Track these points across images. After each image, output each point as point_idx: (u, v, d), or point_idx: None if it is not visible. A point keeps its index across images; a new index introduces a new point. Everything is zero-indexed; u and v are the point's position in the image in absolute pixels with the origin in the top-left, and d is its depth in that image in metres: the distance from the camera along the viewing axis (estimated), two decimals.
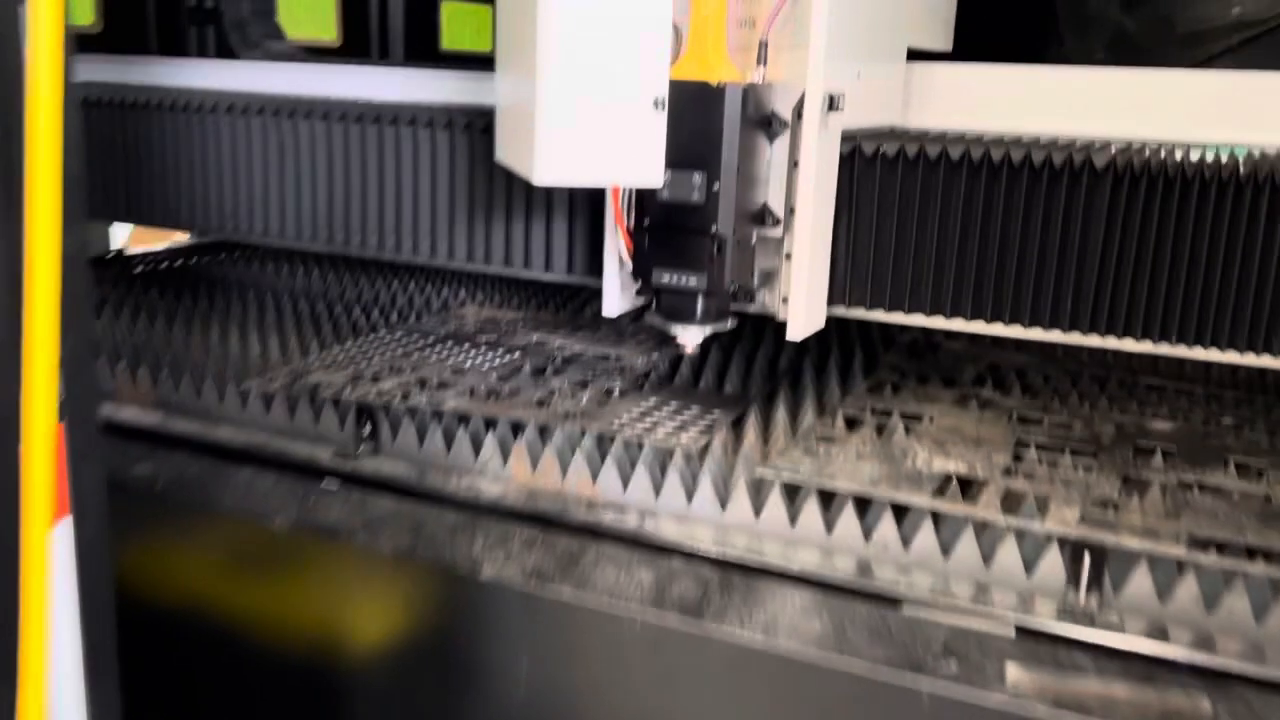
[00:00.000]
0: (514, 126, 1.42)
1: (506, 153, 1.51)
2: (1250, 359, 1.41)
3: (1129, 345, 1.47)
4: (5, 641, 0.90)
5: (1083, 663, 1.08)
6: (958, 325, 1.51)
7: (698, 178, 1.39)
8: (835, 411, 1.63)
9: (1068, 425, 1.61)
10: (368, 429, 1.55)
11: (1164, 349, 1.43)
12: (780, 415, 1.62)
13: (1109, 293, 1.41)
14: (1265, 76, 1.65)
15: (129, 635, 1.09)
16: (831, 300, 1.56)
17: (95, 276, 2.43)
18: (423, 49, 5.23)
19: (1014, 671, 1.05)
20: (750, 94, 1.39)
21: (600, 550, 1.29)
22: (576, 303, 2.32)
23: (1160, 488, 1.38)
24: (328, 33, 4.66)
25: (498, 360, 1.83)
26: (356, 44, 4.85)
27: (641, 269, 1.47)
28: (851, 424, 1.59)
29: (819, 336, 1.91)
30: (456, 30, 5.59)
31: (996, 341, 2.04)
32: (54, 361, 0.87)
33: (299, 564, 1.36)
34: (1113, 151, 1.42)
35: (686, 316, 1.47)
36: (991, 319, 1.48)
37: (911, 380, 1.83)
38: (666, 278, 1.45)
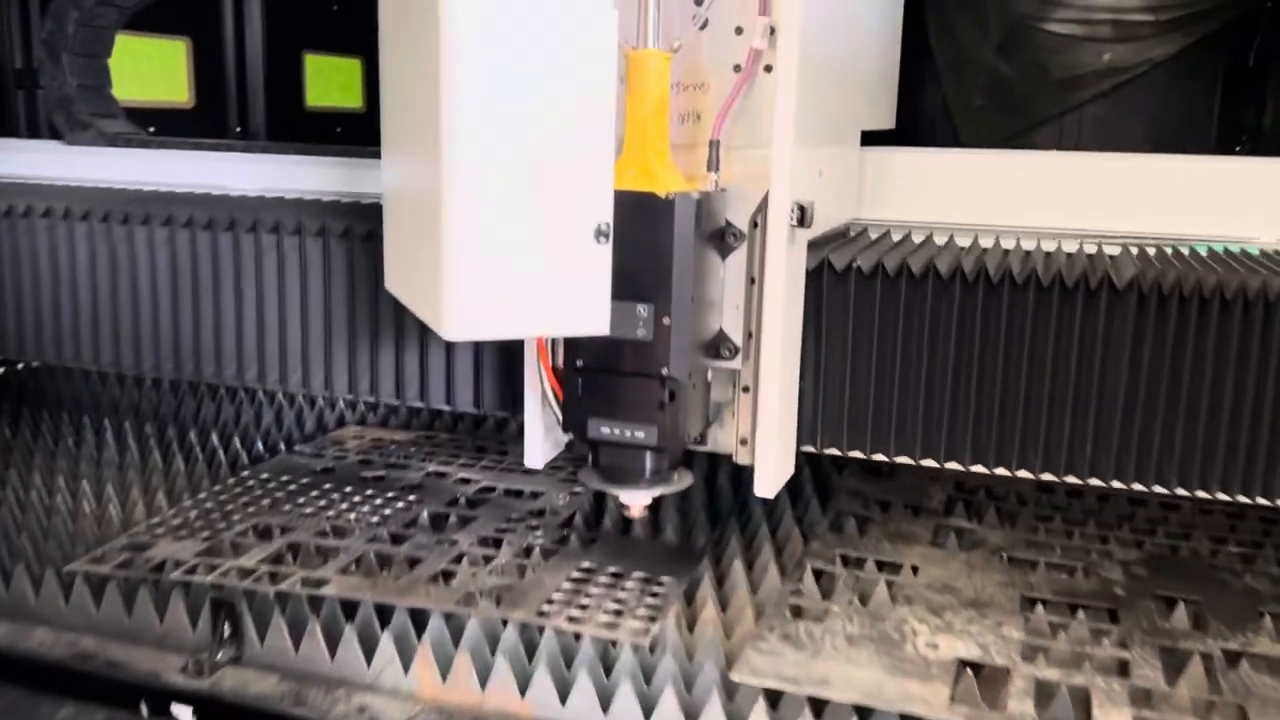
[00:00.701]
0: (411, 257, 1.12)
1: (401, 287, 1.20)
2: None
3: (1137, 488, 1.25)
4: None
5: None
6: (953, 467, 1.27)
7: (643, 310, 1.11)
8: (801, 564, 1.37)
9: (1068, 569, 1.39)
10: (227, 629, 1.22)
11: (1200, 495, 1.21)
12: (737, 572, 1.36)
13: (1137, 429, 1.18)
14: (1256, 164, 1.48)
15: None
16: (800, 440, 1.30)
17: None
18: (285, 107, 4.86)
19: None
20: (703, 205, 1.13)
21: None
22: (474, 418, 2.02)
23: (1202, 662, 1.15)
24: (179, 94, 4.27)
25: (388, 508, 1.52)
26: (212, 104, 4.46)
27: (574, 420, 1.19)
28: (823, 581, 1.33)
29: None
30: (322, 86, 5.23)
31: None
32: None
33: None
34: (1133, 263, 1.21)
35: (632, 478, 1.18)
36: (996, 464, 1.24)
37: (874, 509, 1.59)
38: (606, 431, 1.16)
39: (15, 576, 1.32)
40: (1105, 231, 1.46)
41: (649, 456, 1.18)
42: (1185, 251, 1.36)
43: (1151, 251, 1.36)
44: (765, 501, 1.59)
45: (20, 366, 2.30)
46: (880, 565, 1.39)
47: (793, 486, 1.64)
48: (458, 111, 0.92)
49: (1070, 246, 1.38)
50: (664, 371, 1.13)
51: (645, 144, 1.11)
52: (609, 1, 0.96)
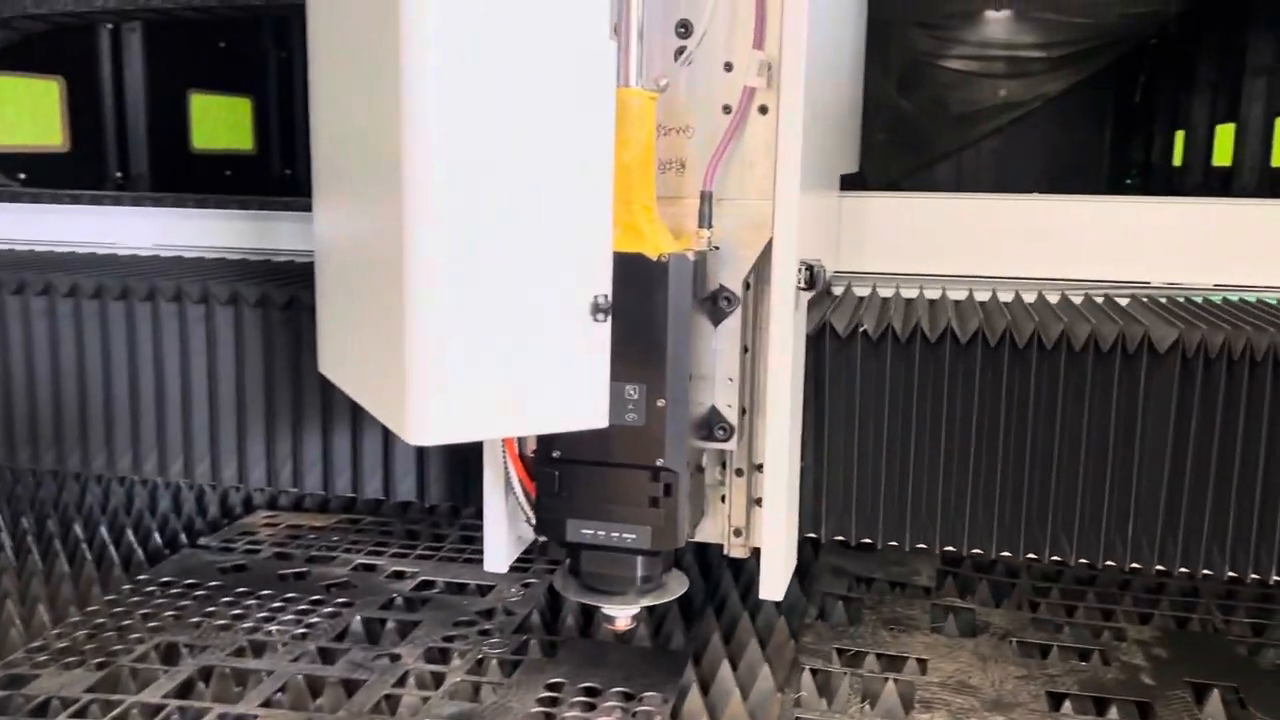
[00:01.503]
0: (358, 340, 0.92)
1: (343, 373, 0.99)
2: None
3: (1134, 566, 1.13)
4: None
5: None
6: (978, 552, 1.13)
7: (633, 391, 0.95)
8: (797, 664, 1.21)
9: (1084, 654, 1.26)
10: None
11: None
12: (724, 675, 1.19)
13: (1163, 502, 1.06)
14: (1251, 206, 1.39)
15: None
16: (802, 528, 1.14)
17: None
18: (170, 150, 4.58)
19: None
20: (700, 267, 0.97)
21: None
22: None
23: None
24: (52, 137, 3.96)
25: (314, 615, 1.32)
26: (89, 148, 4.16)
27: (549, 520, 1.01)
28: (823, 681, 1.17)
29: None
30: (209, 127, 4.96)
31: None
32: None
33: None
34: (1174, 320, 1.09)
35: (621, 586, 1.01)
36: (1025, 550, 1.11)
37: (860, 588, 1.44)
38: (589, 533, 0.99)
39: None
40: (1093, 279, 1.36)
41: (640, 561, 1.01)
42: (1199, 301, 1.25)
43: (1164, 301, 1.25)
44: (735, 572, 1.44)
45: None
46: (883, 660, 1.24)
47: None
48: (424, 160, 0.74)
49: (1051, 297, 1.27)
50: (659, 462, 0.96)
51: (631, 197, 0.95)
52: (606, 32, 0.80)
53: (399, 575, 1.45)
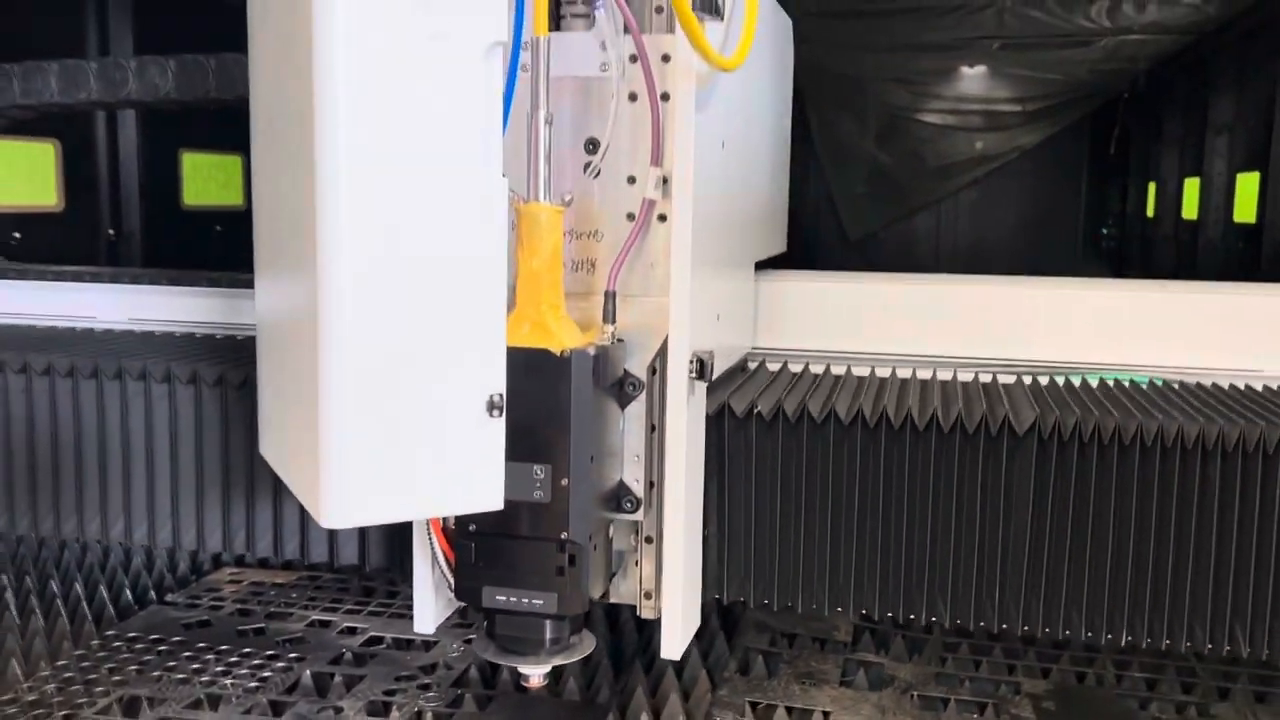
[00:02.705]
0: (286, 426, 1.04)
1: (275, 456, 1.12)
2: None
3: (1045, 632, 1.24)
4: None
5: None
6: (869, 618, 1.24)
7: (540, 471, 1.06)
8: (710, 716, 1.31)
9: (980, 708, 1.36)
10: None
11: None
12: None
13: (1043, 574, 1.17)
14: (1141, 287, 1.51)
15: None
16: (706, 590, 1.25)
17: None
18: (162, 207, 4.71)
19: None
20: (601, 360, 1.08)
21: None
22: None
23: None
24: (47, 197, 4.10)
25: (268, 669, 1.42)
26: (83, 207, 4.29)
27: (467, 587, 1.12)
28: None
29: None
30: (200, 184, 5.10)
31: None
32: None
33: None
34: (1030, 406, 1.20)
35: (531, 648, 1.12)
36: (907, 610, 1.22)
37: (782, 644, 1.54)
38: (502, 598, 1.10)
39: None
40: (996, 359, 1.47)
41: (549, 624, 1.11)
42: (1077, 382, 1.37)
43: (1045, 381, 1.37)
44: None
45: None
46: (790, 710, 1.34)
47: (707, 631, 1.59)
48: (338, 287, 0.86)
49: (964, 375, 1.38)
50: (563, 535, 1.07)
51: (539, 298, 1.07)
52: (498, 170, 0.92)
53: (351, 631, 1.55)
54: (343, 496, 0.88)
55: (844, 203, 7.22)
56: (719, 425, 1.21)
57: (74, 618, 1.61)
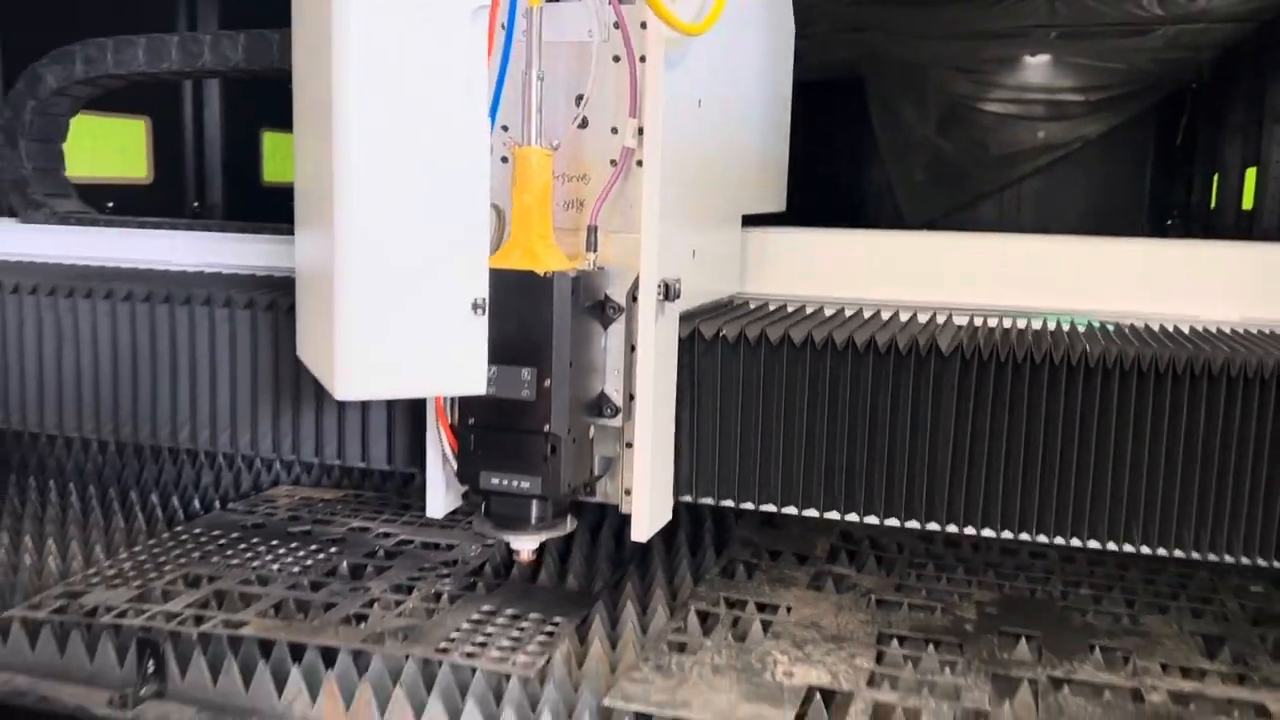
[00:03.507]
0: (312, 325, 1.27)
1: (307, 352, 1.35)
2: (1111, 548, 1.37)
3: (969, 532, 1.41)
4: None
5: None
6: (810, 514, 1.42)
7: (527, 374, 1.26)
8: (687, 606, 1.50)
9: (929, 608, 1.53)
10: (151, 666, 1.33)
11: (1023, 537, 1.36)
12: (629, 613, 1.48)
13: (965, 480, 1.34)
14: (1104, 243, 1.66)
15: None
16: (678, 491, 1.44)
17: None
18: (243, 182, 5.02)
19: None
20: (580, 282, 1.28)
21: None
22: (401, 476, 2.14)
23: (1030, 687, 1.29)
24: (138, 170, 4.41)
25: (310, 559, 1.64)
26: (170, 181, 4.61)
27: (467, 471, 1.33)
28: (706, 620, 1.46)
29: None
30: (280, 162, 5.39)
31: None
32: None
33: None
34: (958, 331, 1.37)
35: (519, 524, 1.32)
36: (845, 510, 1.40)
37: (764, 558, 1.72)
38: (496, 481, 1.30)
39: None
40: (963, 304, 1.63)
41: (535, 504, 1.32)
42: (1022, 324, 1.53)
43: (993, 323, 1.53)
44: (665, 551, 1.73)
45: None
46: (760, 606, 1.52)
47: (693, 538, 1.78)
48: (351, 209, 1.07)
49: (923, 318, 1.55)
50: (546, 428, 1.27)
51: (529, 229, 1.27)
52: (483, 115, 1.12)
53: (385, 535, 1.77)
54: (353, 374, 1.09)
55: (903, 190, 7.30)
56: (690, 348, 1.40)
57: (149, 520, 1.86)
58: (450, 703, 1.26)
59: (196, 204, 4.61)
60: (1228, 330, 1.51)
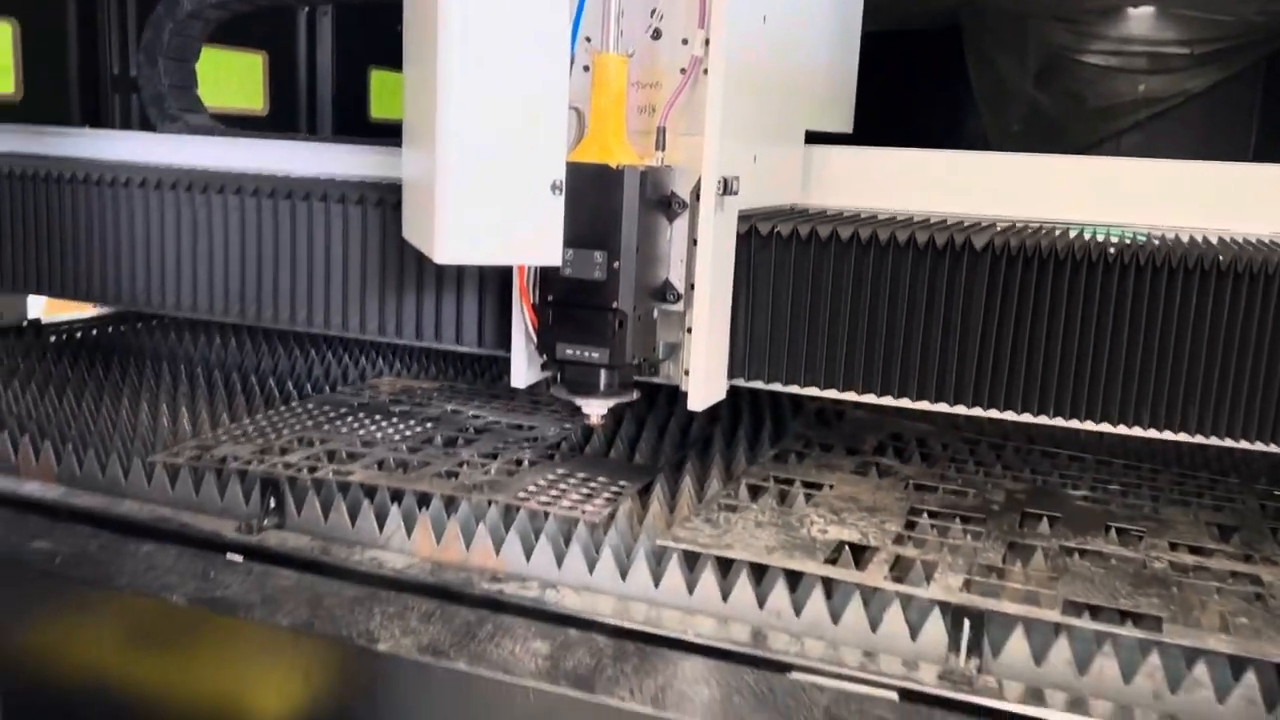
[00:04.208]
0: (418, 205, 1.46)
1: (411, 231, 1.55)
2: (1136, 431, 1.49)
3: (1010, 417, 1.55)
4: None
5: None
6: (850, 397, 1.57)
7: (599, 256, 1.43)
8: (740, 479, 1.67)
9: (961, 493, 1.67)
10: (272, 503, 1.55)
11: (1042, 420, 1.49)
12: (687, 484, 1.66)
13: (991, 367, 1.48)
14: (1149, 163, 1.76)
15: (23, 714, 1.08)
16: (732, 373, 1.61)
17: (7, 346, 2.40)
18: (352, 117, 5.26)
19: None
20: (648, 177, 1.45)
21: (498, 622, 1.31)
22: (494, 372, 2.35)
23: (1043, 553, 1.43)
24: (255, 102, 4.68)
25: (409, 431, 1.85)
26: (284, 113, 4.87)
27: (545, 343, 1.51)
28: (755, 492, 1.63)
29: (730, 405, 1.96)
30: (386, 99, 5.63)
31: (901, 410, 2.11)
32: None
33: (197, 640, 1.36)
34: (994, 230, 1.50)
35: (589, 390, 1.50)
36: (882, 392, 1.54)
37: (816, 449, 1.88)
38: (569, 352, 1.49)
39: (110, 464, 1.67)
40: (1009, 217, 1.75)
41: (603, 373, 1.50)
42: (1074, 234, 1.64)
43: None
44: (725, 442, 1.90)
45: (118, 328, 2.69)
46: (806, 484, 1.68)
47: (752, 433, 1.95)
48: (451, 95, 1.26)
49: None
50: (614, 305, 1.45)
51: (605, 128, 1.44)
52: (564, 23, 1.30)
53: (476, 417, 1.98)
54: (450, 242, 1.28)
55: (999, 143, 7.24)
56: (748, 243, 1.56)
57: (269, 398, 2.10)
58: (526, 541, 1.45)
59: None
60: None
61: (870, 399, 1.56)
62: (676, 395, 2.00)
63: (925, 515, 1.55)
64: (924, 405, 1.54)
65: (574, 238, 1.41)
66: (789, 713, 1.13)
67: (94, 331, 2.69)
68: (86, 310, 2.83)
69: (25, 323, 2.65)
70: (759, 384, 1.62)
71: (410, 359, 2.45)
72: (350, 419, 1.90)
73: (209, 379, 2.18)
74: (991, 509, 1.60)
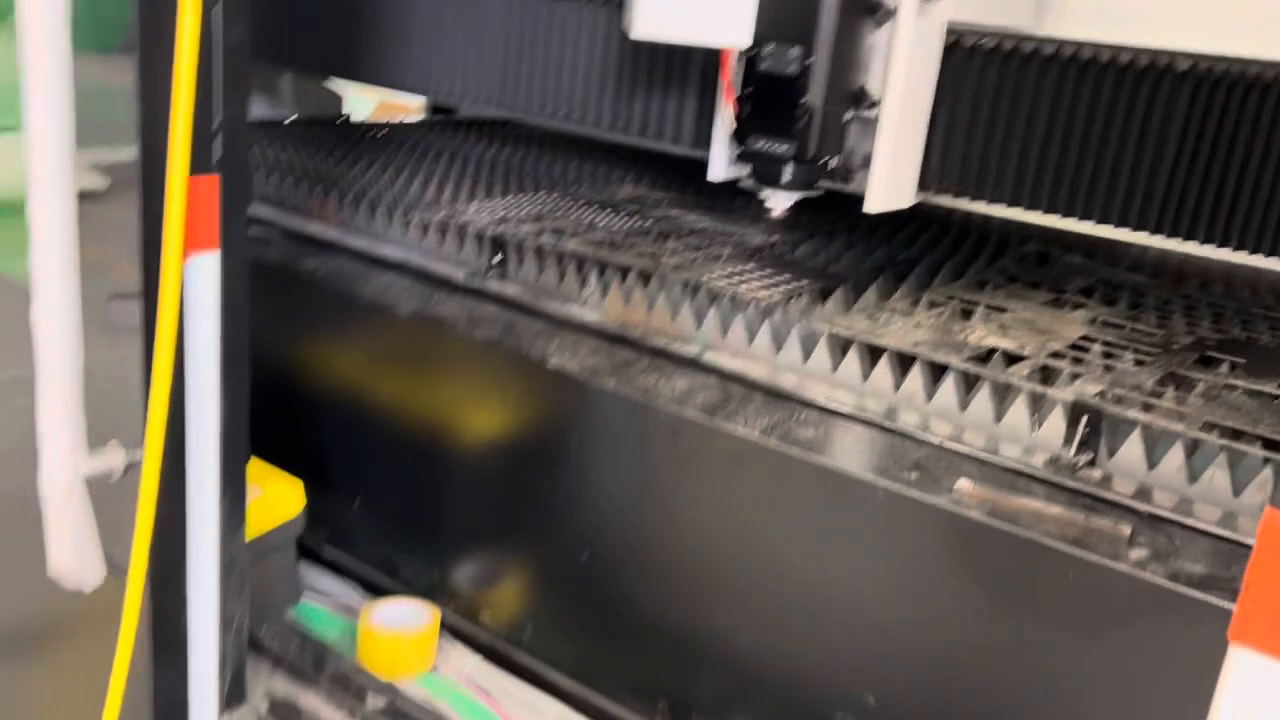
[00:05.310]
0: None
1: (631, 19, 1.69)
2: None
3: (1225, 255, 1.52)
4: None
5: (1036, 492, 1.18)
6: (1035, 218, 1.59)
7: (795, 51, 1.53)
8: (923, 295, 1.73)
9: (1149, 334, 1.65)
10: (498, 258, 1.79)
11: (1223, 253, 1.47)
12: (870, 294, 1.74)
13: (1170, 191, 1.46)
14: None
15: (268, 391, 1.38)
16: (924, 184, 1.66)
17: (321, 135, 2.78)
18: None
19: (963, 483, 1.17)
20: None
21: (652, 362, 1.49)
22: (729, 194, 2.48)
23: (1204, 385, 1.42)
24: None
25: (629, 225, 2.03)
26: None
27: (740, 135, 1.63)
28: (933, 306, 1.68)
29: (946, 239, 2.00)
30: None
31: (1114, 261, 2.07)
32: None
33: (412, 348, 1.64)
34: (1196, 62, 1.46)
35: (774, 180, 1.62)
36: (1067, 212, 1.56)
37: (1018, 285, 1.89)
38: (760, 144, 1.60)
39: (377, 215, 1.96)
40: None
41: (788, 166, 1.60)
42: None
43: None
44: (930, 265, 1.94)
45: (418, 130, 3.02)
46: (989, 308, 1.72)
47: (960, 263, 1.98)
48: None
49: None
50: (804, 100, 1.54)
51: None
52: None
53: (694, 222, 2.13)
54: (648, 16, 1.43)
55: None
56: (951, 55, 1.60)
57: (520, 187, 2.34)
58: (700, 312, 1.60)
59: None
60: None
61: (1053, 221, 1.58)
62: (892, 222, 2.08)
63: (1095, 344, 1.56)
64: (1106, 228, 1.54)
65: (775, 33, 1.51)
66: (880, 456, 1.24)
67: (398, 130, 3.05)
68: (397, 116, 3.20)
69: (339, 118, 3.04)
70: (947, 198, 1.66)
71: (657, 173, 2.61)
72: (582, 210, 2.11)
73: (477, 169, 2.46)
74: (1172, 348, 1.58)
